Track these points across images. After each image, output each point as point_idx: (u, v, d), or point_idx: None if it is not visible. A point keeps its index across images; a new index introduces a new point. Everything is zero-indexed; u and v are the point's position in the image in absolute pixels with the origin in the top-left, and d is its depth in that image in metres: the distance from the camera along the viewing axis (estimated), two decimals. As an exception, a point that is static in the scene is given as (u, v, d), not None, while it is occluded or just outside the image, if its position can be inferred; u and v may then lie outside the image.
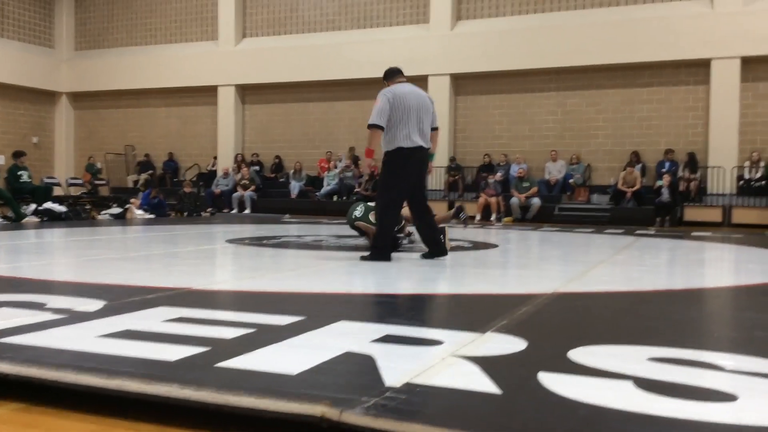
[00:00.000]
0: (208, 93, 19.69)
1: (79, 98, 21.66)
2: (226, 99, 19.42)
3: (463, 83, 17.33)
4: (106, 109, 21.36)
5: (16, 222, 11.44)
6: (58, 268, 5.27)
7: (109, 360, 2.15)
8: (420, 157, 5.48)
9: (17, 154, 13.39)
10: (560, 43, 15.84)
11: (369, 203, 6.73)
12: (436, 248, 5.81)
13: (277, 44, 18.82)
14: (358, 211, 6.69)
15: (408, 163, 5.47)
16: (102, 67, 20.81)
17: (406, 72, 17.88)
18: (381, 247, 5.63)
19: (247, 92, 19.61)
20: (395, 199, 5.63)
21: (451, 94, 17.18)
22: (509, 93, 16.86)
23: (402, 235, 6.73)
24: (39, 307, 3.13)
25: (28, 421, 1.81)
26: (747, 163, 14.68)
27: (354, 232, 7.08)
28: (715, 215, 14.24)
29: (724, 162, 14.68)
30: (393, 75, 5.83)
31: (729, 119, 14.81)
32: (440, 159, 16.85)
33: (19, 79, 19.93)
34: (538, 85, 16.59)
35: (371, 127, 5.45)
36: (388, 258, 5.61)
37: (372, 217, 6.51)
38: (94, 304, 3.21)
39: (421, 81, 17.29)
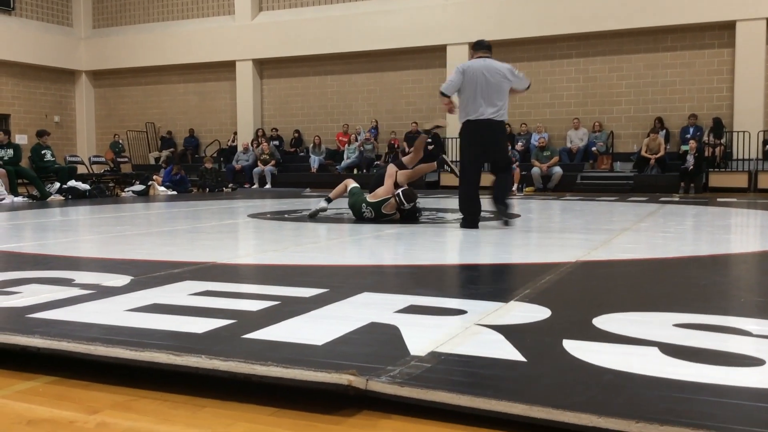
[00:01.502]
0: (226, 68, 19.67)
1: (98, 76, 21.76)
2: (244, 74, 19.39)
3: (482, 52, 17.10)
4: (126, 86, 21.44)
5: (40, 200, 11.60)
6: (84, 244, 5.34)
7: (137, 333, 2.19)
8: (487, 126, 5.88)
9: (41, 134, 13.53)
10: (580, 8, 15.55)
11: (369, 200, 6.69)
12: (499, 208, 6.05)
13: (293, 17, 18.71)
14: (368, 212, 6.64)
15: (474, 133, 5.95)
16: (120, 45, 20.85)
17: (423, 42, 17.91)
18: (463, 215, 6.08)
19: (265, 66, 19.56)
20: (466, 167, 6.09)
21: (470, 64, 16.97)
22: (529, 61, 16.63)
23: (419, 205, 6.74)
24: (67, 282, 3.19)
25: (61, 394, 1.85)
26: (773, 127, 14.41)
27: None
28: (740, 181, 14.01)
29: (749, 126, 14.40)
30: (476, 48, 6.27)
31: (755, 82, 14.50)
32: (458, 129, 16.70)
33: (38, 58, 20.04)
34: (558, 52, 16.34)
35: (442, 95, 6.08)
36: (473, 225, 5.93)
37: (385, 210, 6.56)
38: (121, 279, 3.26)
39: (439, 51, 17.13)
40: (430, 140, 15.43)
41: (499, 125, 5.99)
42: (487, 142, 5.96)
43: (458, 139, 6.50)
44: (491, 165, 6.25)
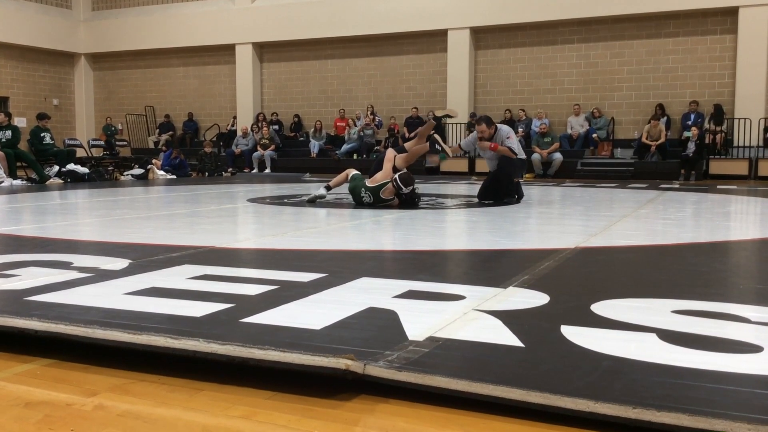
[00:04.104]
0: (226, 52, 19.57)
1: (97, 59, 21.65)
2: (244, 57, 19.30)
3: (483, 37, 17.04)
4: (125, 69, 21.34)
5: (39, 183, 11.59)
6: (83, 228, 5.34)
7: (135, 316, 2.19)
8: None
9: (41, 116, 13.49)
10: (583, -7, 15.45)
11: (368, 185, 6.70)
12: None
13: (293, 0, 18.58)
14: (367, 196, 6.65)
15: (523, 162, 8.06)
16: (119, 27, 20.73)
17: (424, 26, 17.98)
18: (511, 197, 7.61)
19: (265, 50, 19.46)
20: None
21: (471, 49, 16.91)
22: (530, 46, 16.55)
23: (416, 189, 6.75)
24: (66, 266, 3.18)
25: (58, 376, 1.85)
26: (775, 114, 14.36)
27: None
28: (741, 168, 13.99)
29: (750, 113, 14.35)
30: (492, 122, 7.66)
31: (756, 69, 14.43)
32: (460, 116, 16.68)
33: (37, 40, 19.92)
34: (560, 37, 16.25)
35: (514, 153, 7.44)
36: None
37: (383, 195, 6.55)
38: (120, 263, 3.26)
39: (440, 35, 17.05)
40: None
41: None
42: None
43: (464, 126, 6.64)
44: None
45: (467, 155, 15.76)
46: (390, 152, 7.01)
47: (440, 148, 7.42)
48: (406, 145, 7.24)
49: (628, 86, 15.82)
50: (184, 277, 2.89)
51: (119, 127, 20.15)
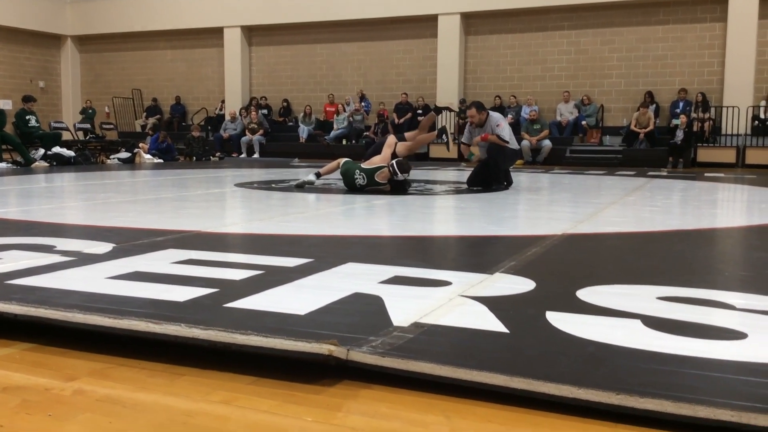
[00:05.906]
0: (214, 35, 19.38)
1: (84, 41, 21.39)
2: (233, 41, 19.12)
3: (473, 22, 16.96)
4: (112, 52, 21.09)
5: (25, 167, 11.47)
6: (67, 211, 5.28)
7: (117, 301, 2.16)
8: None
9: (27, 99, 13.32)
10: (574, -21, 15.39)
11: (363, 166, 6.68)
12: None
13: (283, -16, 18.41)
14: (361, 178, 6.62)
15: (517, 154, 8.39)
16: (106, 9, 20.46)
17: (414, 11, 17.85)
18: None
19: (254, 34, 19.28)
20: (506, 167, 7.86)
21: (462, 34, 16.82)
22: (521, 32, 16.50)
23: (408, 177, 6.74)
24: (48, 249, 3.15)
25: (38, 361, 1.82)
26: (763, 103, 14.39)
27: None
28: (728, 156, 14.05)
29: (738, 101, 14.40)
30: (485, 108, 7.66)
31: (745, 57, 14.46)
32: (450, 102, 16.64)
33: (23, 22, 19.63)
34: (551, 24, 16.20)
35: (504, 141, 7.33)
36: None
37: (377, 178, 6.53)
38: (103, 247, 3.22)
39: (430, 20, 16.95)
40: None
41: None
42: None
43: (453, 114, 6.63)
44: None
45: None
46: (391, 138, 7.04)
47: (446, 140, 7.42)
48: (407, 135, 7.24)
49: (617, 73, 15.82)
50: (168, 262, 2.87)
51: (106, 110, 19.95)
